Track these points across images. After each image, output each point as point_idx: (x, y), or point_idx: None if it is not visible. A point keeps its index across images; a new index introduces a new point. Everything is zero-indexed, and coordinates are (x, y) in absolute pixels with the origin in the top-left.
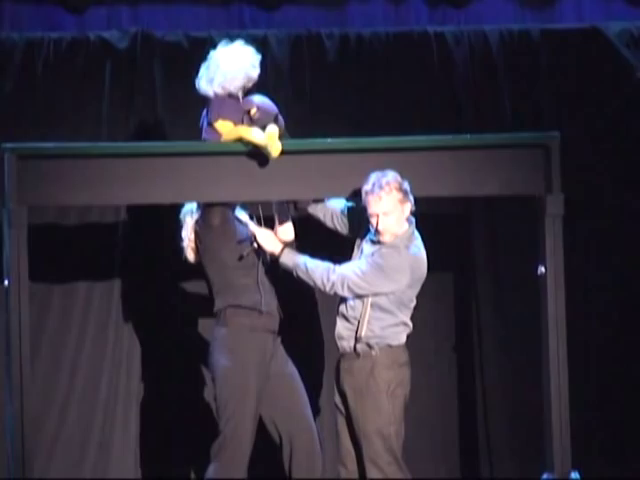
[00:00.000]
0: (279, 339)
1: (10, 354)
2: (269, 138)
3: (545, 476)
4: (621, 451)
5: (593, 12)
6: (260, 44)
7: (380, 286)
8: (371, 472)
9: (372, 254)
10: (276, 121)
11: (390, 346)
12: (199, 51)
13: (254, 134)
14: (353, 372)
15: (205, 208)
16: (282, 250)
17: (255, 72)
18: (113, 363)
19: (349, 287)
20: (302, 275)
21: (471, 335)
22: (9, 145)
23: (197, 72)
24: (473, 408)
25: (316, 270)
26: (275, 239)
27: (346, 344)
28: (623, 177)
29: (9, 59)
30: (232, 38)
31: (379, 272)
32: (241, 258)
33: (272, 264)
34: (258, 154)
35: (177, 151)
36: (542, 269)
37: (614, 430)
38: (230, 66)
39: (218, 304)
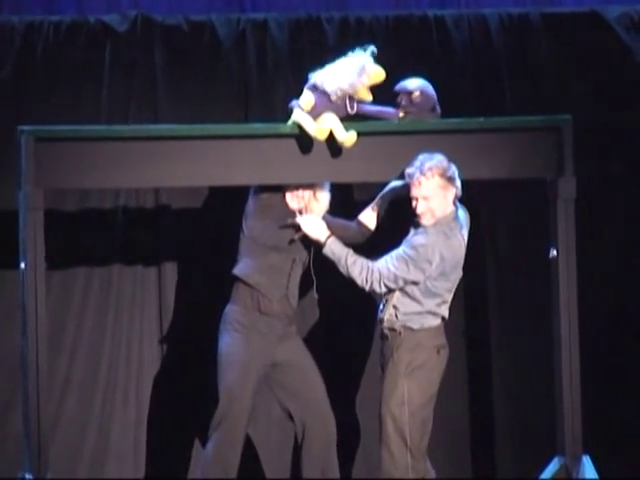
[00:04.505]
0: (294, 328)
1: (27, 337)
2: (318, 133)
3: (556, 460)
4: (633, 437)
5: None
6: (260, 28)
7: (411, 276)
8: (382, 454)
9: (406, 242)
10: (434, 110)
11: (412, 329)
12: (199, 35)
13: (306, 123)
14: (383, 353)
15: None
16: (326, 239)
17: (357, 80)
18: (112, 347)
19: (385, 284)
20: (342, 270)
21: (480, 323)
22: (26, 127)
23: (197, 56)
24: (484, 404)
25: (355, 268)
26: (322, 227)
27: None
28: (624, 162)
29: (9, 43)
30: (232, 22)
31: (409, 263)
32: (292, 242)
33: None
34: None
35: (195, 134)
36: (554, 252)
37: (625, 416)
38: (338, 71)
39: (236, 269)
